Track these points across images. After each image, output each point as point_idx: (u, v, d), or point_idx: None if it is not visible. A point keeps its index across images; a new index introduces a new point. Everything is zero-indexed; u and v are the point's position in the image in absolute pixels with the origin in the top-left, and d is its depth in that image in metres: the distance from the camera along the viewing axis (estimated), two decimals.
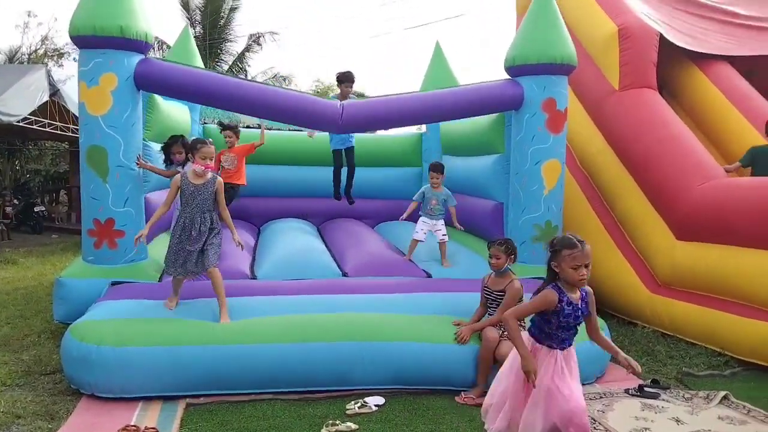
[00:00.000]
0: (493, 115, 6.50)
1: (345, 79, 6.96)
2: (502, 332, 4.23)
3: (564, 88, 5.98)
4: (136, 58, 5.26)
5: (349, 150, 7.43)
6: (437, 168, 6.23)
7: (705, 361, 4.91)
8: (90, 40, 5.06)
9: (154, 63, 5.46)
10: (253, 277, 5.66)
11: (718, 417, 3.85)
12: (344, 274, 5.80)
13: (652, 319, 5.80)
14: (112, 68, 5.09)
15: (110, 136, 5.13)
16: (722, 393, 4.18)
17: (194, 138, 4.68)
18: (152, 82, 5.36)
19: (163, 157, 5.66)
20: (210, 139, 4.85)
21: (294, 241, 6.70)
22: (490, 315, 4.46)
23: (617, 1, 7.25)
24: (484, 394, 4.04)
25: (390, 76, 53.78)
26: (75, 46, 5.59)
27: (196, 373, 4.02)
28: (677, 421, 3.79)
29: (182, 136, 5.76)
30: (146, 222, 5.57)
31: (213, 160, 4.50)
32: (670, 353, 5.12)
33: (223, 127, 6.81)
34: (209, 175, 4.51)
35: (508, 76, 6.15)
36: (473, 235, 6.74)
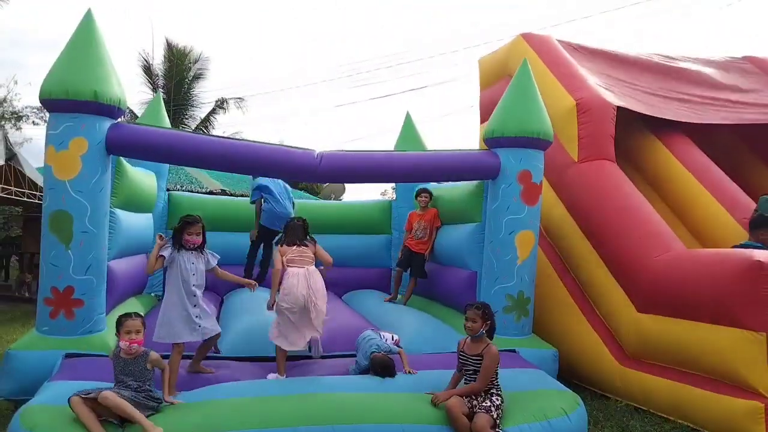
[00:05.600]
0: (472, 185, 6.61)
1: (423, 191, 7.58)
2: (472, 404, 4.12)
3: (540, 162, 6.12)
4: (108, 122, 5.20)
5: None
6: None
7: None
8: (62, 104, 4.99)
9: (126, 127, 5.43)
10: (217, 351, 5.43)
11: None
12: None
13: (623, 392, 5.75)
14: (83, 132, 5.01)
15: (77, 201, 4.99)
16: None
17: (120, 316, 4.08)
18: (124, 145, 5.31)
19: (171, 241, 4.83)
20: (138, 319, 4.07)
21: (259, 312, 6.47)
22: (467, 381, 4.35)
23: (575, 76, 7.58)
24: None
25: (356, 146, 54.89)
26: (44, 109, 5.47)
27: None
28: None
29: (198, 217, 4.87)
30: (107, 292, 5.34)
31: (140, 333, 3.95)
32: (645, 428, 5.05)
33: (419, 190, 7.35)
34: (140, 350, 3.96)
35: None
36: (446, 305, 6.67)
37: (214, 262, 4.90)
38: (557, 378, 5.53)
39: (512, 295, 5.90)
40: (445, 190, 7.70)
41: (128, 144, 5.32)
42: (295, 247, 5.17)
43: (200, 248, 4.80)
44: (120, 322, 3.97)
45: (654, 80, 8.48)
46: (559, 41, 8.43)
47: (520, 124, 5.98)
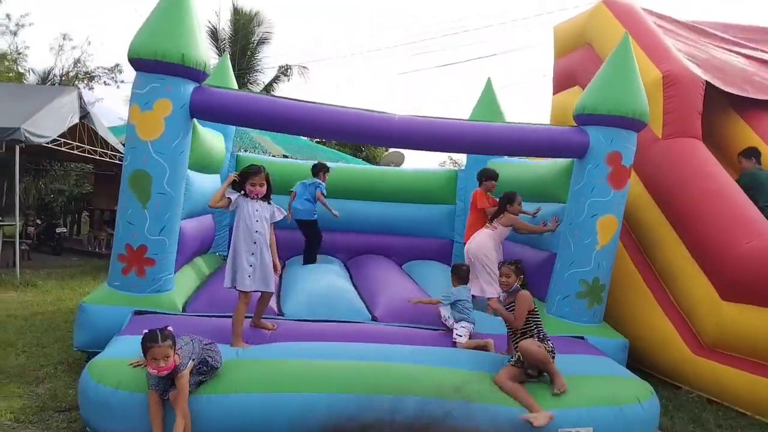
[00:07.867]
0: (559, 163, 6.31)
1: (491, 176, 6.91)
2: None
3: (632, 144, 5.74)
4: (193, 86, 5.19)
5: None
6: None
7: None
8: (149, 65, 4.99)
9: (210, 91, 5.35)
10: (280, 314, 5.46)
11: None
12: (374, 318, 5.58)
13: (695, 383, 5.48)
14: (169, 94, 5.02)
15: (157, 162, 5.03)
16: None
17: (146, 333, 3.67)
18: (208, 109, 5.29)
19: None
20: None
21: (322, 278, 6.47)
22: (510, 337, 4.48)
23: (661, 47, 7.10)
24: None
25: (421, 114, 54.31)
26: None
27: (213, 426, 3.69)
28: None
29: (261, 166, 4.79)
30: (177, 253, 5.41)
31: (169, 358, 3.52)
32: (719, 422, 4.81)
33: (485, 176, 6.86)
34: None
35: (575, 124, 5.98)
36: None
37: (279, 216, 4.80)
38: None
39: (587, 281, 5.63)
40: (515, 165, 7.43)
41: (211, 108, 5.29)
42: None
43: (266, 198, 4.72)
44: (145, 347, 3.53)
45: (743, 55, 7.91)
46: (644, 9, 7.94)
47: (615, 102, 5.57)
